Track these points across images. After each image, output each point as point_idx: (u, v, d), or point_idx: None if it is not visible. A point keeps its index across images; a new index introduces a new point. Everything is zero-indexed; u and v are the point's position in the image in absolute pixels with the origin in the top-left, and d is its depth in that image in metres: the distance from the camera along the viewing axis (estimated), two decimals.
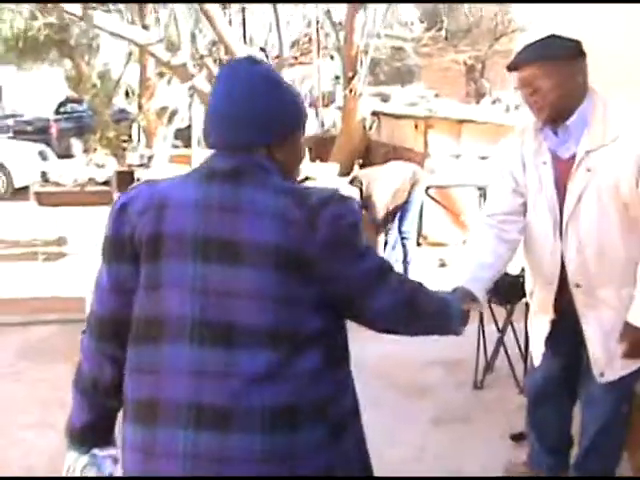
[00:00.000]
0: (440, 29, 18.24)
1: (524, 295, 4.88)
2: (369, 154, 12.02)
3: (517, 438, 4.27)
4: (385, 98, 13.89)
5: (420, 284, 2.18)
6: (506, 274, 5.04)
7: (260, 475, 1.85)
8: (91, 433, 2.10)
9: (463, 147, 10.21)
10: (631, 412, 3.36)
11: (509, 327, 5.11)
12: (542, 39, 3.09)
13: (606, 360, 3.15)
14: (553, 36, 3.06)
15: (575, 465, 3.51)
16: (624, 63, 4.50)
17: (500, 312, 5.10)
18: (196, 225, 1.89)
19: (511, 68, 3.01)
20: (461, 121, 10.28)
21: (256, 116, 1.96)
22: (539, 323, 3.37)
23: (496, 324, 5.13)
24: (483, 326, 5.13)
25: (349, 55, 10.64)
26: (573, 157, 2.99)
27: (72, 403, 2.11)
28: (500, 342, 5.15)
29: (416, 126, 10.89)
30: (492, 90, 22.62)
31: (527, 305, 4.71)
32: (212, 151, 2.02)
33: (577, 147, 2.98)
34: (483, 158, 9.46)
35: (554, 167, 3.06)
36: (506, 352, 5.10)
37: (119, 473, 2.09)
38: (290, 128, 2.03)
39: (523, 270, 4.89)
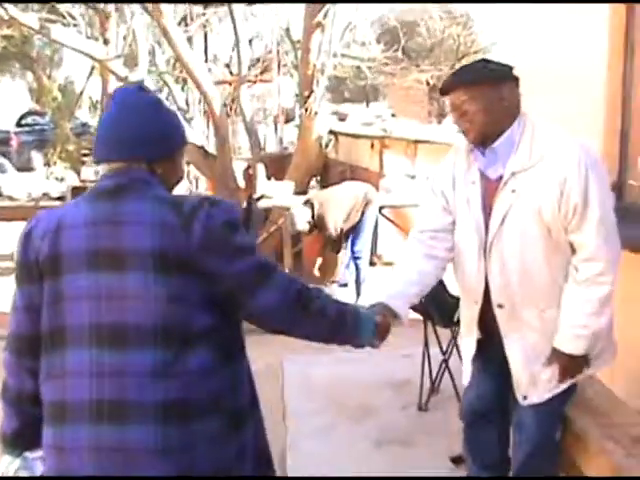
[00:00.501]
0: (397, 50, 18.33)
1: None
2: (326, 172, 12.05)
3: (457, 461, 4.27)
4: (342, 117, 13.93)
5: (319, 290, 2.34)
6: (450, 296, 5.09)
7: (162, 467, 2.03)
8: (21, 438, 2.32)
9: (418, 167, 10.26)
10: (564, 437, 3.38)
11: (453, 349, 5.13)
12: (471, 63, 3.20)
13: (528, 382, 3.15)
14: (483, 60, 3.14)
15: None
16: (582, 83, 4.59)
17: (445, 333, 5.13)
18: (87, 241, 2.10)
19: (442, 92, 3.06)
20: (416, 141, 10.33)
21: (141, 136, 2.22)
22: (467, 342, 3.37)
23: (440, 346, 5.14)
24: (428, 348, 5.15)
25: (305, 74, 10.65)
26: (501, 178, 3.02)
27: (2, 414, 2.32)
28: (444, 364, 5.17)
29: (372, 145, 10.94)
30: None
31: None
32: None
33: (504, 168, 3.01)
34: None
35: (482, 187, 3.09)
36: (450, 374, 5.11)
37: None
38: (170, 147, 2.29)
39: None
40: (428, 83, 24.14)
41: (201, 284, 2.09)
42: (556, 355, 3.02)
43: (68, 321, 2.10)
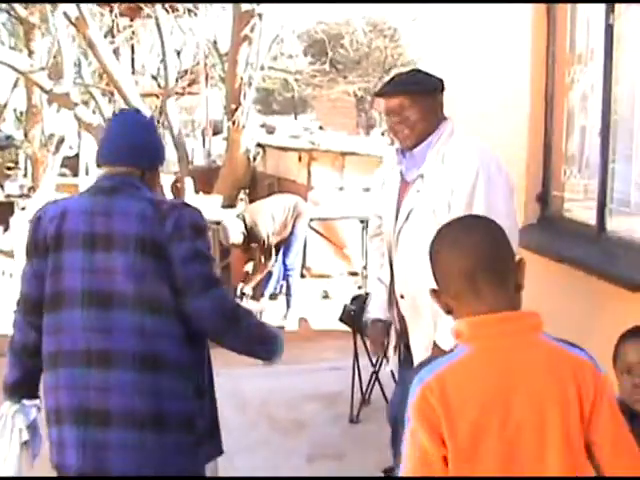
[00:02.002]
0: (324, 63, 18.41)
1: None
2: (254, 186, 12.02)
3: (390, 471, 4.28)
4: (270, 130, 13.92)
5: (250, 312, 2.89)
6: None
7: (135, 404, 2.60)
8: (20, 387, 2.82)
9: (346, 179, 10.31)
10: None
11: (383, 360, 5.15)
12: (410, 72, 3.40)
13: None
14: (418, 70, 3.36)
15: None
16: (507, 98, 4.66)
17: None
18: (84, 226, 2.67)
19: (379, 94, 3.27)
20: (344, 153, 10.38)
21: (137, 148, 2.85)
22: (392, 336, 3.49)
23: (370, 358, 5.15)
24: (358, 360, 5.15)
25: (232, 87, 10.61)
26: (415, 180, 3.22)
27: (7, 365, 2.81)
28: (375, 375, 5.18)
29: (300, 158, 10.95)
30: (382, 122, 22.94)
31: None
32: (97, 175, 2.91)
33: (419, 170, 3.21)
34: (366, 190, 9.56)
35: (399, 188, 3.29)
36: (380, 386, 5.13)
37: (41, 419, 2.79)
38: (157, 161, 2.94)
39: None
40: (356, 95, 24.26)
41: (168, 268, 2.63)
42: (436, 350, 3.03)
43: (65, 287, 2.64)
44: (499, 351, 1.87)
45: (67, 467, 2.65)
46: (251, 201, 10.68)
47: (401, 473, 1.92)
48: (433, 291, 1.92)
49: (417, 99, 3.13)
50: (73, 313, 2.63)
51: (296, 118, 25.81)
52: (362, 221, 8.73)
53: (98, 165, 2.91)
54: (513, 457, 1.81)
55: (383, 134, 18.55)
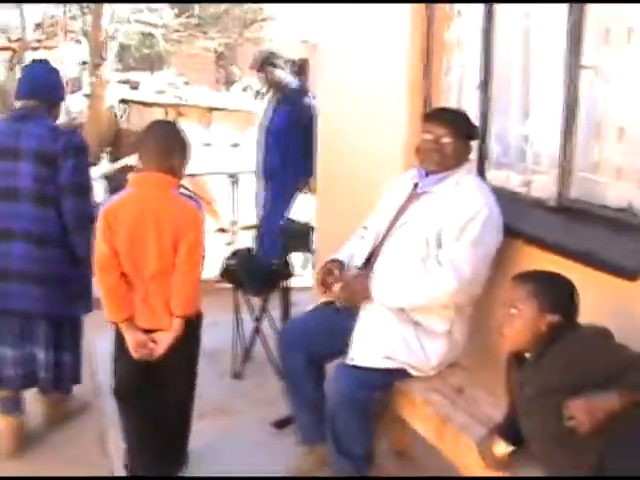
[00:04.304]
0: (190, 16, 18.01)
1: (278, 284, 4.99)
2: (118, 143, 11.72)
3: (279, 425, 4.32)
4: (134, 85, 13.54)
5: None
6: (263, 264, 5.12)
7: (28, 268, 3.95)
8: None
9: (214, 135, 10.19)
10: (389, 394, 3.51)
11: (265, 315, 5.17)
12: (459, 111, 3.84)
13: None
14: (465, 114, 3.74)
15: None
16: (382, 56, 4.69)
17: (256, 301, 5.16)
18: (3, 142, 3.98)
19: (428, 116, 3.72)
20: (211, 109, 10.26)
21: (45, 86, 4.13)
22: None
23: (252, 313, 5.18)
24: (239, 316, 5.14)
25: (96, 40, 10.26)
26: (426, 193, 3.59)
27: None
28: (257, 330, 5.19)
29: (166, 114, 10.76)
30: (242, 77, 22.75)
31: (282, 293, 4.83)
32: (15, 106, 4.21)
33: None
34: (234, 145, 9.49)
35: (409, 195, 3.68)
36: (263, 340, 5.15)
37: None
38: (58, 98, 4.25)
39: (279, 259, 4.99)
40: (216, 51, 23.94)
41: (56, 174, 3.90)
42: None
43: None
44: (146, 194, 3.40)
45: None
46: (115, 159, 10.43)
47: (94, 262, 3.45)
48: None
49: (459, 138, 3.54)
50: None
51: (152, 74, 25.25)
52: (231, 176, 8.68)
53: (16, 99, 4.13)
54: (136, 253, 3.39)
55: (245, 89, 18.41)
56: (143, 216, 3.34)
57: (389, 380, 3.47)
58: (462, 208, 3.40)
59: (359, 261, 3.72)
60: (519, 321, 2.66)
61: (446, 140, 3.51)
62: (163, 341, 3.48)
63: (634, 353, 2.46)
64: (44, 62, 4.44)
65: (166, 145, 3.41)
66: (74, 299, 4.11)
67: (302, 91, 6.78)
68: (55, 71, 4.31)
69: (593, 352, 2.51)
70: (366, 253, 3.71)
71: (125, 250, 3.38)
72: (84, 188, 3.93)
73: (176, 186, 3.42)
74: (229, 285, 5.19)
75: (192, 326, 3.56)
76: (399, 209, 3.66)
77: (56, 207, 3.92)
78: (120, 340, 3.57)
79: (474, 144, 3.76)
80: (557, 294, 2.67)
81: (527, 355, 2.71)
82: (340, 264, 3.75)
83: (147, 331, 3.50)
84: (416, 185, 3.66)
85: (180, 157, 3.45)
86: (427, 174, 3.61)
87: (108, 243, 3.37)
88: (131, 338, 3.49)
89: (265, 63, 6.61)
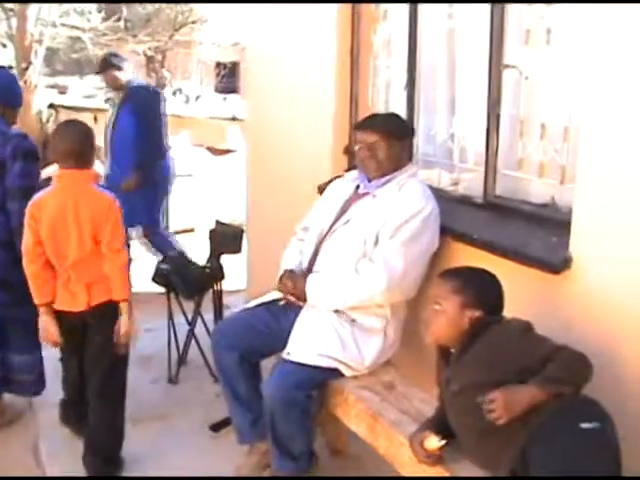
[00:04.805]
0: (119, 19, 17.78)
1: (210, 287, 4.97)
2: (46, 149, 11.53)
3: (216, 428, 4.31)
4: (62, 90, 13.36)
5: None
6: (195, 266, 5.09)
7: None
8: None
9: None
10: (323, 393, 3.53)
11: (198, 319, 5.15)
12: (388, 115, 3.86)
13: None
14: (396, 115, 3.79)
15: None
16: (310, 52, 4.71)
17: (189, 306, 5.14)
18: None
19: (357, 127, 3.70)
20: None
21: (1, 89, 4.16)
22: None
23: (185, 317, 5.15)
24: (173, 320, 5.11)
25: (22, 45, 10.08)
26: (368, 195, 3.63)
27: None
28: (191, 334, 5.17)
29: (95, 119, 10.61)
30: (173, 81, 22.57)
31: (214, 295, 4.82)
32: None
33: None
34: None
35: (351, 195, 3.73)
36: (198, 343, 5.13)
37: None
38: (14, 103, 4.28)
39: (208, 262, 4.97)
40: (145, 54, 23.69)
41: (5, 178, 3.97)
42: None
43: None
44: (66, 189, 3.59)
45: None
46: (45, 165, 10.25)
47: (22, 248, 3.68)
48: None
49: (391, 140, 3.54)
50: None
51: (82, 78, 24.87)
52: None
53: None
54: (58, 243, 3.60)
55: (174, 94, 18.29)
56: (64, 208, 3.58)
57: (324, 378, 3.49)
58: (402, 209, 3.44)
59: (305, 262, 3.74)
60: (442, 317, 2.72)
61: (378, 145, 3.54)
62: (122, 325, 3.74)
63: (554, 345, 2.52)
64: (4, 67, 4.62)
65: (80, 143, 3.63)
66: (21, 302, 4.01)
67: (145, 88, 6.83)
68: (11, 76, 4.48)
69: (514, 346, 2.57)
70: (310, 253, 3.72)
71: (48, 240, 3.62)
72: (31, 192, 3.80)
73: (94, 179, 3.69)
74: (161, 290, 5.15)
75: (115, 310, 3.76)
76: (341, 209, 3.69)
77: (4, 211, 4.00)
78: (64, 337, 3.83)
79: (411, 142, 3.81)
80: (480, 290, 2.73)
81: (452, 350, 2.76)
82: (292, 273, 3.75)
83: (66, 313, 3.75)
84: (358, 187, 3.71)
85: (92, 153, 3.70)
86: (369, 180, 3.65)
87: (33, 233, 3.62)
88: (43, 322, 3.76)
89: (105, 65, 6.59)
